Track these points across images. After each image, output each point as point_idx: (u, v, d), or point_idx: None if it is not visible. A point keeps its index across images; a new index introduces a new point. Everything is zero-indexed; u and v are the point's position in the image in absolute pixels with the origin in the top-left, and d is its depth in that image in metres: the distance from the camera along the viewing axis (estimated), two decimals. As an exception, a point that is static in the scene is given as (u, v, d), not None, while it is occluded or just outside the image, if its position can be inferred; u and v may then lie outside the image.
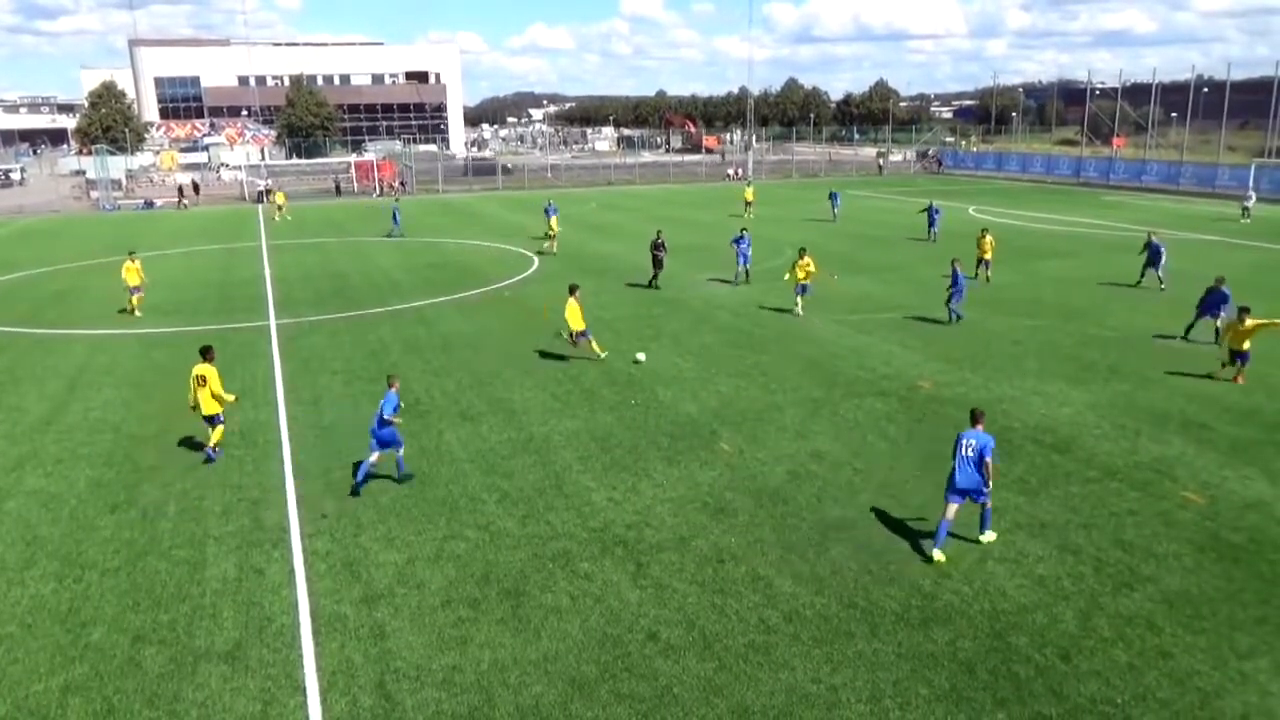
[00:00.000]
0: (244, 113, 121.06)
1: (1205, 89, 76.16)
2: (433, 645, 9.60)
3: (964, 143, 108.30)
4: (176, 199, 63.73)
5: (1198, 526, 11.95)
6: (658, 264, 29.34)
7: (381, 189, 71.27)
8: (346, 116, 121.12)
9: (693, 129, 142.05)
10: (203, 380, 14.74)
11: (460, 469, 14.36)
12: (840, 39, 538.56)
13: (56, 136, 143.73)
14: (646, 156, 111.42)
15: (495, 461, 14.67)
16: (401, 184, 74.02)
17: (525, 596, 10.56)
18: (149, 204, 64.68)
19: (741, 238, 29.98)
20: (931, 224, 39.34)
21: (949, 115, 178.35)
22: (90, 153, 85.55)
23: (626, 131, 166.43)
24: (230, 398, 15.34)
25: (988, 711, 8.41)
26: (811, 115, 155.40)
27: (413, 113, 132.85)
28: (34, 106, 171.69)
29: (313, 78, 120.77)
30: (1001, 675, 8.92)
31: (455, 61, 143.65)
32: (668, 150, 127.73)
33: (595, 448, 15.18)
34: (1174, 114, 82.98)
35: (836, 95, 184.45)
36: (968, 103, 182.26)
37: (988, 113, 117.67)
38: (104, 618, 10.25)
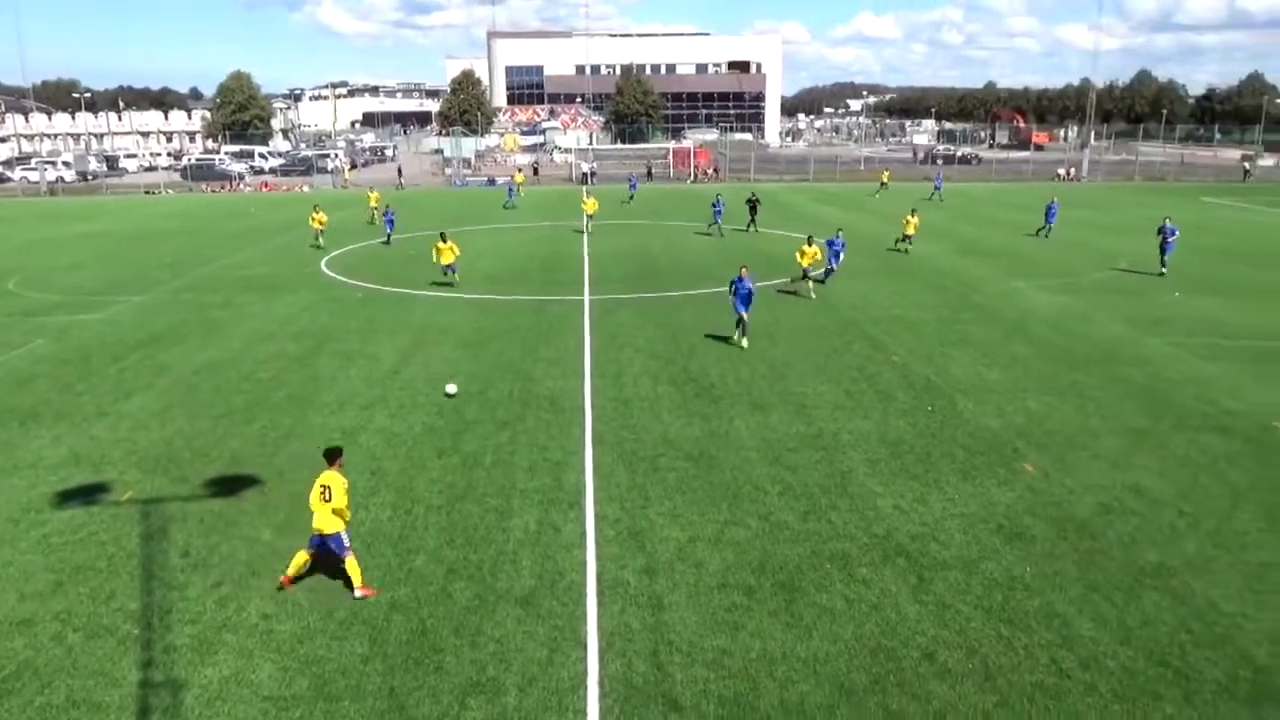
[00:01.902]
0: (578, 100, 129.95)
1: None
2: (706, 625, 9.88)
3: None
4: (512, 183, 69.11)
5: None
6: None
7: (696, 175, 73.51)
8: (669, 104, 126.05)
9: (1021, 123, 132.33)
10: (326, 493, 10.57)
11: (746, 457, 14.57)
12: (1208, 26, 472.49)
13: (423, 119, 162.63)
14: (968, 152, 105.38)
15: (781, 453, 14.72)
16: (715, 171, 75.88)
17: (800, 592, 10.54)
18: (491, 181, 71.47)
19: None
20: None
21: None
22: (448, 134, 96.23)
23: (948, 125, 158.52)
24: (348, 516, 10.78)
25: (1327, 816, 7.22)
26: (1164, 111, 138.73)
27: (731, 102, 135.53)
28: (407, 92, 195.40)
29: (641, 67, 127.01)
30: (1351, 778, 7.60)
31: (777, 52, 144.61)
32: (991, 146, 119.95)
33: (885, 452, 14.75)
34: None
35: (1196, 90, 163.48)
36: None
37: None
38: (426, 548, 11.61)
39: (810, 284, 26.80)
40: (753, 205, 41.88)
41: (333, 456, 10.88)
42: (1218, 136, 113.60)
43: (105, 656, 9.36)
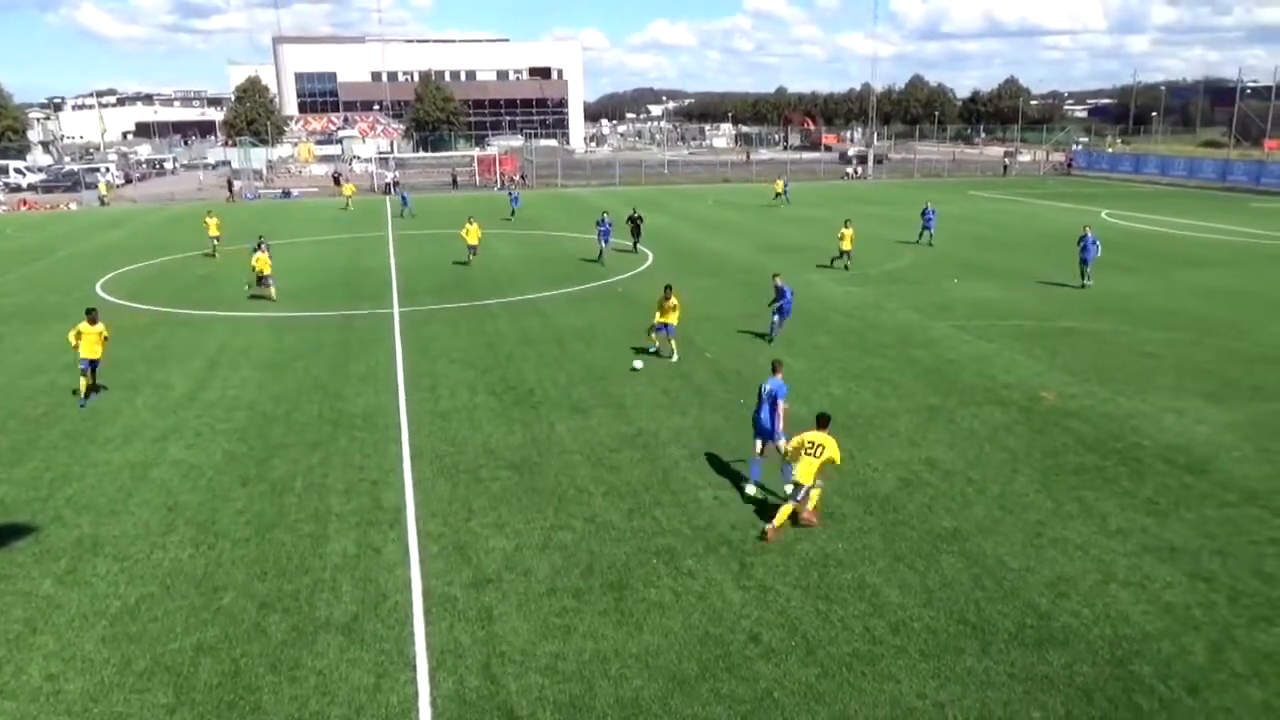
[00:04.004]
0: (376, 107, 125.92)
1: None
2: (537, 632, 9.80)
3: (1106, 141, 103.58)
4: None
5: (1349, 561, 11.09)
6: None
7: (502, 182, 72.96)
8: (471, 111, 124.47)
9: (812, 126, 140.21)
10: (816, 449, 11.82)
11: (569, 460, 14.59)
12: (970, 35, 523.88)
13: (206, 128, 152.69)
14: (764, 154, 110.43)
15: (603, 455, 14.84)
16: (522, 178, 75.59)
17: (629, 590, 10.65)
18: (286, 193, 68.02)
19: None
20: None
21: (1083, 114, 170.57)
22: (235, 144, 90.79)
23: (745, 129, 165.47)
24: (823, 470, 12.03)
25: (1105, 741, 8.04)
26: (936, 113, 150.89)
27: (535, 108, 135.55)
28: (186, 100, 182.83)
29: (441, 73, 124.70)
30: (1121, 705, 8.50)
31: (577, 58, 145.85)
32: (786, 148, 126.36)
33: (703, 446, 15.17)
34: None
35: (963, 93, 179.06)
36: (1104, 101, 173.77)
37: (1126, 112, 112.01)
38: (234, 584, 10.87)
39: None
40: (635, 224, 36.73)
41: (824, 421, 12.29)
42: (982, 135, 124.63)
43: None
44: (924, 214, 37.95)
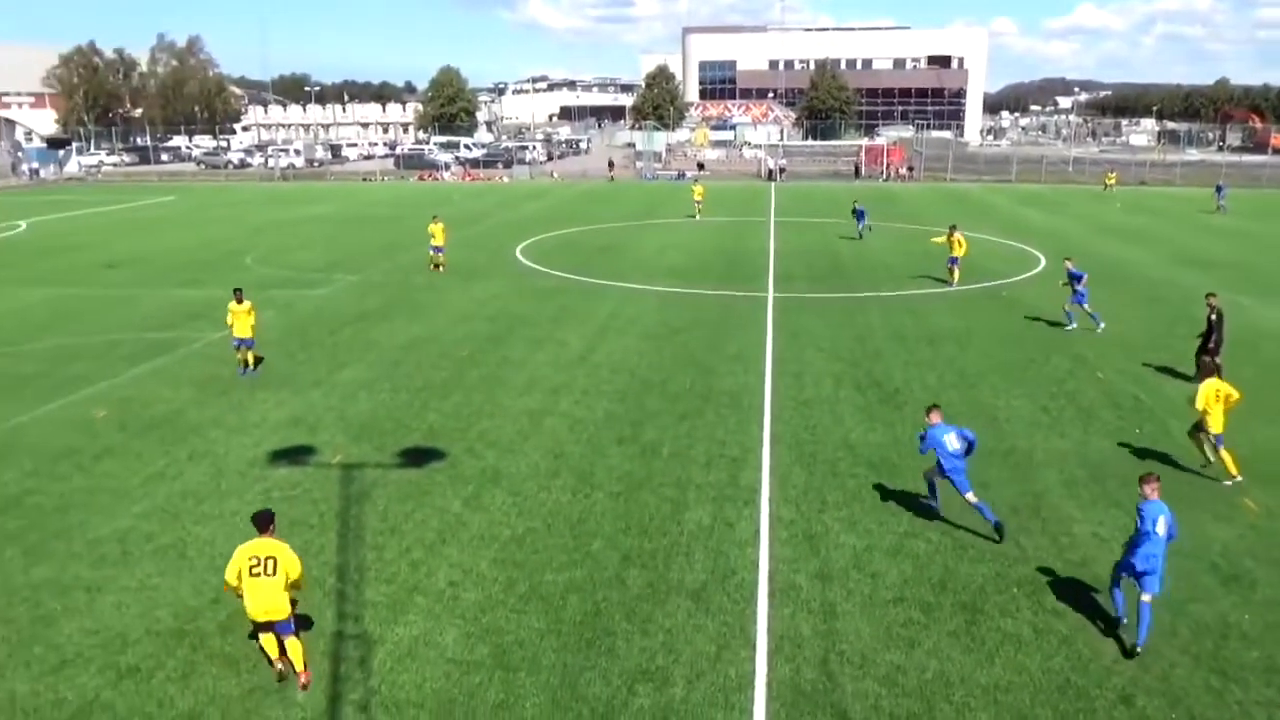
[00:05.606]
0: (770, 95, 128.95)
1: None
2: (880, 638, 9.60)
3: None
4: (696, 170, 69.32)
5: None
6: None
7: (889, 174, 71.33)
8: (864, 100, 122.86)
9: (1258, 124, 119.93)
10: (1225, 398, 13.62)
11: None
12: None
13: (616, 112, 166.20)
14: (1192, 154, 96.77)
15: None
16: (910, 169, 73.34)
17: (982, 615, 10.05)
18: (680, 175, 72.19)
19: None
20: None
21: None
22: (640, 128, 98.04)
23: (1171, 125, 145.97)
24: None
25: None
26: None
27: (929, 98, 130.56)
28: (603, 86, 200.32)
29: (836, 61, 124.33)
30: None
31: (982, 46, 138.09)
32: (1221, 148, 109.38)
33: (1084, 474, 13.80)
34: None
35: None
36: None
37: None
38: (603, 533, 11.90)
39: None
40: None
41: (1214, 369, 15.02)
42: None
43: (313, 606, 10.19)
44: None
